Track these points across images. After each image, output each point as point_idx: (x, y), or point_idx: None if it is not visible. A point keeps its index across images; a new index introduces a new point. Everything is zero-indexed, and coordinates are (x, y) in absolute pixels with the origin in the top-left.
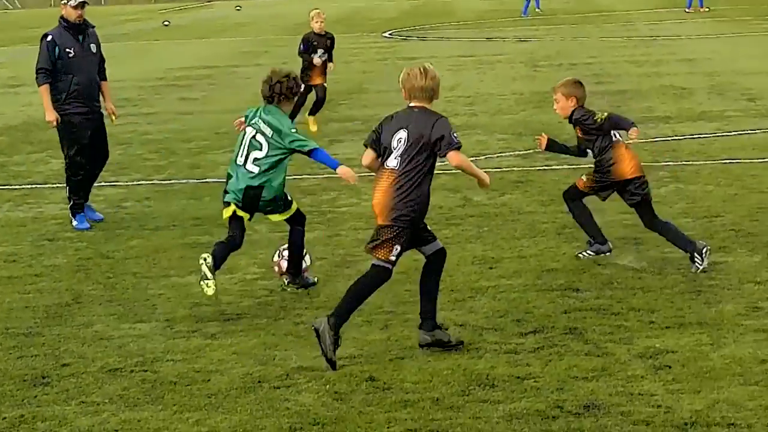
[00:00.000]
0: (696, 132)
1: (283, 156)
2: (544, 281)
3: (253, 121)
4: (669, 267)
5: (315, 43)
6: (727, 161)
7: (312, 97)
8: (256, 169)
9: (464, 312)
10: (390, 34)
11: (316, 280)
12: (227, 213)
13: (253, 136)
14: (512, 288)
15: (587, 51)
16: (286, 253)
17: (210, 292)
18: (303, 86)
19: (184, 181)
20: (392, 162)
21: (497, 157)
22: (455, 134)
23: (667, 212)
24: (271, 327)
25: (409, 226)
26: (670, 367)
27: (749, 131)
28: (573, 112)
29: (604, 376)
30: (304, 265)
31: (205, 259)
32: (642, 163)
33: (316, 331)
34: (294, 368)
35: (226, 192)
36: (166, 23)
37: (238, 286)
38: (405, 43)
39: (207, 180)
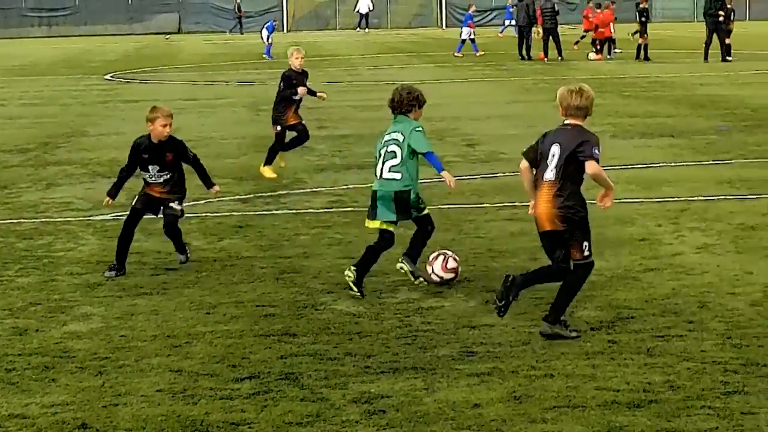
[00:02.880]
0: None
1: (411, 155)
2: (261, 326)
3: (386, 138)
4: (386, 312)
5: (294, 81)
6: (445, 206)
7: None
8: (398, 176)
9: (180, 358)
10: (112, 77)
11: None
12: (374, 225)
13: (387, 149)
14: (229, 333)
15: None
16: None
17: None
18: (279, 127)
19: None
20: (549, 174)
21: (216, 201)
22: (597, 150)
23: (384, 256)
24: None
25: (584, 220)
26: (384, 412)
27: (467, 177)
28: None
29: (319, 422)
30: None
31: (348, 276)
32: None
33: (548, 336)
34: (4, 416)
35: (374, 206)
36: None
37: None
38: (127, 86)
39: None
